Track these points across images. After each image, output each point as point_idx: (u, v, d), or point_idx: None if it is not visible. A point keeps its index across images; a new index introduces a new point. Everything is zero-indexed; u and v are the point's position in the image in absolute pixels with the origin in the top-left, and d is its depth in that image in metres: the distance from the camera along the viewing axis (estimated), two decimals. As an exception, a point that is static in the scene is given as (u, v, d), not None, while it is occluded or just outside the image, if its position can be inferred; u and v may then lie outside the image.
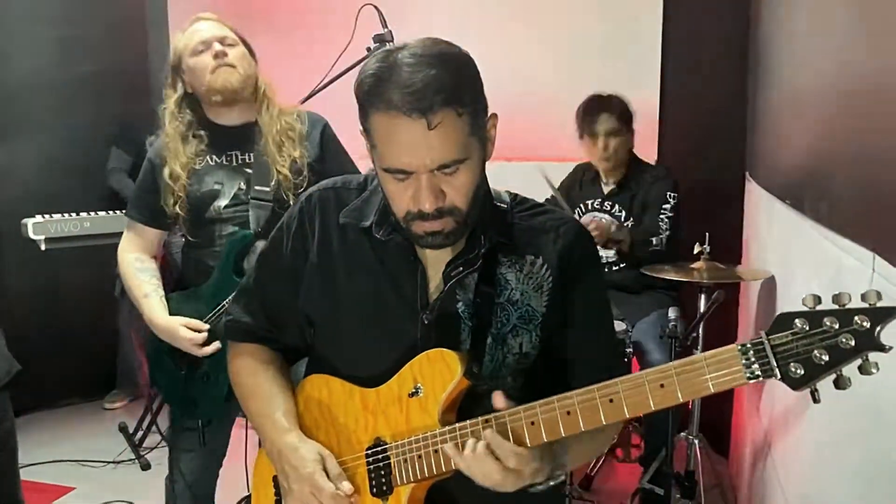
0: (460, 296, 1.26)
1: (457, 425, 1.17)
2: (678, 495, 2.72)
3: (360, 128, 1.21)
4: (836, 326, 0.94)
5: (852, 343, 0.93)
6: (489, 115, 1.21)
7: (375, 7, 2.80)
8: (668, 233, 2.97)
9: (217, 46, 2.12)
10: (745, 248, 3.30)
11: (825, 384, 0.98)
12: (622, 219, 3.09)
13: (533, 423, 1.12)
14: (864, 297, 0.94)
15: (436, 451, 1.19)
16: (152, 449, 3.60)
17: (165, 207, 2.14)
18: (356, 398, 1.30)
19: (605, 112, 3.04)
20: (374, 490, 1.26)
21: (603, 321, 1.37)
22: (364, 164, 2.28)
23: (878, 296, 0.93)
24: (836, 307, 0.95)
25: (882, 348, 0.93)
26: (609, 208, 3.13)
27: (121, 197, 3.88)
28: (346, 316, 1.31)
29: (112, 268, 3.99)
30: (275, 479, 1.38)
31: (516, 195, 1.36)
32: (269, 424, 1.33)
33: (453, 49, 1.18)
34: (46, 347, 3.82)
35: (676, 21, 3.56)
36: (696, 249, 2.63)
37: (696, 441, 2.72)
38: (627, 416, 1.08)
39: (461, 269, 1.25)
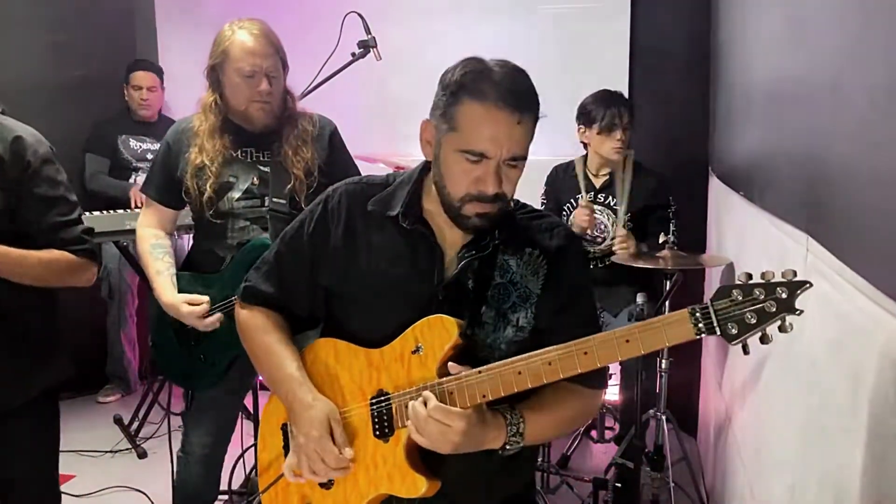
0: (470, 275, 1.47)
1: (451, 375, 1.36)
2: (647, 468, 2.91)
3: (435, 115, 1.40)
4: (763, 296, 1.19)
5: (774, 308, 1.18)
6: None
7: (359, 15, 2.97)
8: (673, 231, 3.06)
9: (264, 84, 2.19)
10: (709, 238, 3.51)
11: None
12: (616, 210, 3.23)
13: (520, 373, 1.33)
14: (783, 274, 1.19)
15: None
16: (148, 439, 3.73)
17: (185, 197, 2.27)
18: (361, 357, 1.49)
19: (623, 106, 3.17)
20: (377, 433, 1.45)
21: (586, 308, 1.57)
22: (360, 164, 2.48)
23: (794, 273, 1.19)
24: (763, 281, 1.20)
25: (795, 311, 1.17)
26: (603, 199, 3.27)
27: (106, 197, 3.95)
28: (365, 288, 1.51)
29: (100, 269, 4.10)
30: (283, 427, 1.56)
31: (517, 200, 1.56)
32: (284, 376, 1.51)
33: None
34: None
35: (644, 25, 3.75)
36: (661, 239, 2.82)
37: (664, 417, 2.91)
38: (598, 365, 1.29)
39: (473, 252, 1.46)
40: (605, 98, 3.20)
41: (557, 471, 3.12)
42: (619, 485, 2.82)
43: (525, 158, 1.40)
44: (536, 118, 1.39)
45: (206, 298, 2.20)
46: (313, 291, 1.57)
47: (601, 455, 3.50)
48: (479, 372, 1.35)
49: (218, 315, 2.19)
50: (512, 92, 1.34)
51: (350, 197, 1.55)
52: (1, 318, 1.84)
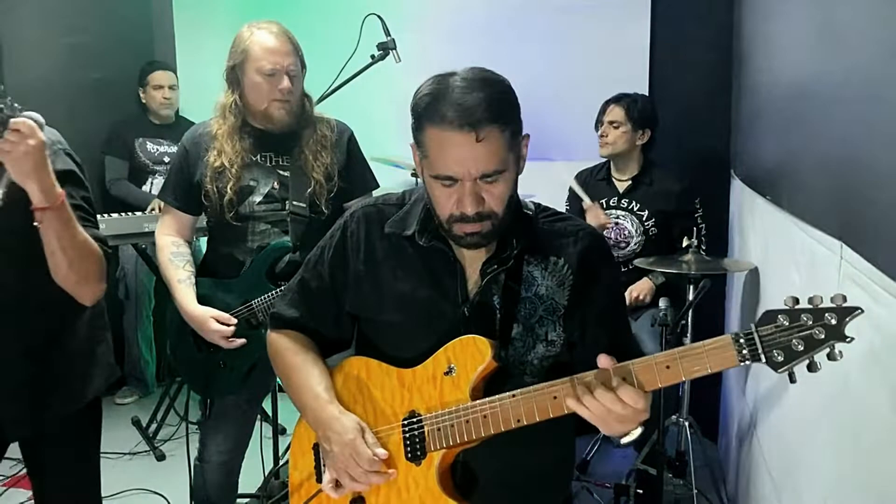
0: (494, 290, 1.44)
1: (496, 396, 1.34)
2: (670, 474, 2.88)
3: (413, 141, 1.38)
4: (810, 322, 1.14)
5: (823, 335, 1.14)
6: (523, 135, 1.39)
7: (379, 17, 2.95)
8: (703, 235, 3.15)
9: (285, 82, 2.19)
10: (731, 242, 3.47)
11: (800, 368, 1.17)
12: (641, 215, 3.22)
13: (556, 398, 1.29)
14: (832, 299, 1.14)
15: (467, 422, 1.36)
16: (166, 441, 3.72)
17: (205, 200, 2.25)
18: (393, 377, 1.46)
19: (612, 104, 3.27)
20: (409, 455, 1.42)
21: (619, 310, 1.57)
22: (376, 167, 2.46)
23: (844, 298, 1.14)
24: (811, 306, 1.15)
25: (845, 339, 1.13)
26: (626, 205, 3.26)
27: (127, 203, 3.95)
28: (391, 312, 1.49)
29: (116, 270, 4.11)
30: (315, 447, 1.54)
31: (539, 204, 1.54)
32: (312, 397, 1.49)
33: (496, 76, 1.37)
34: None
35: (664, 26, 3.70)
36: (685, 243, 2.80)
37: (686, 423, 2.88)
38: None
39: (496, 266, 1.43)
40: (609, 98, 3.30)
41: (578, 476, 3.09)
42: (640, 491, 2.79)
43: (503, 171, 1.33)
44: (505, 127, 1.31)
45: (234, 320, 2.19)
46: (339, 315, 1.56)
47: (620, 460, 3.46)
48: (514, 396, 1.33)
49: (242, 340, 2.19)
50: (465, 110, 1.27)
51: (368, 220, 1.53)
52: (58, 336, 1.82)
